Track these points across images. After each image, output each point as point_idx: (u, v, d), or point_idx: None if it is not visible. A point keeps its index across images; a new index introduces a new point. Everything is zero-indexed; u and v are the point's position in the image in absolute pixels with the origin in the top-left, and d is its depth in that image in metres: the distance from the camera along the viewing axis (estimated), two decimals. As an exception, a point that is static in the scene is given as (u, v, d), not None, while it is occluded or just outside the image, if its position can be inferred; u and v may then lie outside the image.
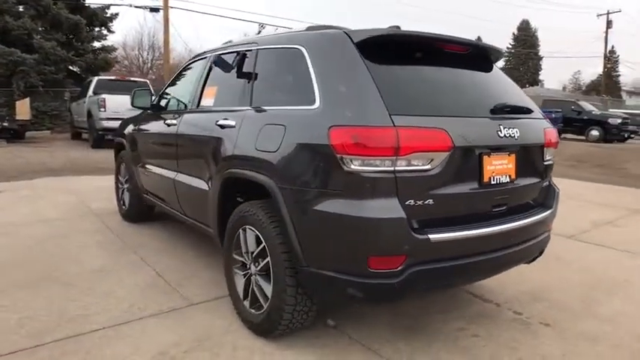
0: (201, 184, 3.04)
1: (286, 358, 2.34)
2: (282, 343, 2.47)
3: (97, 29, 20.45)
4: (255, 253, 2.49)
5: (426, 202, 2.04)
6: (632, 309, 3.01)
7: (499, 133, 2.26)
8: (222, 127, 2.81)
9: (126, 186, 4.76)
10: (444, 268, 2.10)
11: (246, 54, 2.90)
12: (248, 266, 2.60)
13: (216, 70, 3.25)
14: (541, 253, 2.73)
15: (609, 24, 36.55)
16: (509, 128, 2.30)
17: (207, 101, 3.20)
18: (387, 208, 1.97)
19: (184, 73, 3.88)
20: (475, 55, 2.59)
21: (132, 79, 14.84)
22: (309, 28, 2.63)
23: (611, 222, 5.40)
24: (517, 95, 2.64)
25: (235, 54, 2.94)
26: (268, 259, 2.37)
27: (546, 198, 2.66)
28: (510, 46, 53.40)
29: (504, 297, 3.13)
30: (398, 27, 2.50)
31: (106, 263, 3.58)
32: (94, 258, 3.70)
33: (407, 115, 2.02)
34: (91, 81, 13.18)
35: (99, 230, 4.49)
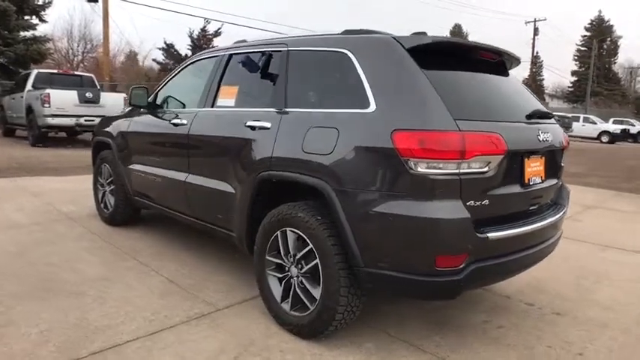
0: (224, 187, 2.97)
1: (337, 359, 2.37)
2: (327, 343, 2.48)
3: (27, 17, 18.91)
4: (299, 256, 2.49)
5: (483, 202, 2.16)
6: (622, 296, 3.33)
7: (539, 137, 2.43)
8: (252, 128, 2.77)
9: (109, 188, 4.50)
10: (496, 264, 2.23)
11: (272, 55, 2.87)
12: (287, 269, 2.59)
13: (234, 69, 3.18)
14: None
15: (536, 31, 39.39)
16: (544, 132, 2.48)
17: (226, 101, 3.13)
18: (454, 209, 2.06)
19: (187, 71, 3.75)
20: (502, 63, 2.75)
21: (76, 73, 13.92)
22: (346, 32, 2.66)
23: (571, 217, 5.89)
24: (536, 100, 2.83)
25: (260, 54, 2.89)
26: (317, 260, 2.38)
27: (561, 197, 2.88)
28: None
29: (510, 290, 3.34)
30: (425, 33, 2.60)
31: (105, 270, 3.39)
32: (91, 265, 3.48)
33: (467, 119, 2.12)
34: (28, 74, 12.19)
35: (83, 235, 4.21)
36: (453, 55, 2.46)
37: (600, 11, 56.75)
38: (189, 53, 21.54)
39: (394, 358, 2.39)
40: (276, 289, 2.67)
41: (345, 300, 2.32)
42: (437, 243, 2.06)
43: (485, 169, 2.14)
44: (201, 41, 21.89)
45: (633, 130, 27.63)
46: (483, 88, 2.46)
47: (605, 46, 51.50)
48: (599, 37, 47.91)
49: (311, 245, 2.40)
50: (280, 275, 2.63)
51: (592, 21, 52.20)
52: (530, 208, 2.49)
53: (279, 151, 2.55)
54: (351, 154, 2.23)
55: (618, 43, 52.69)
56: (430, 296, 2.28)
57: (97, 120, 10.99)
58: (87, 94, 11.10)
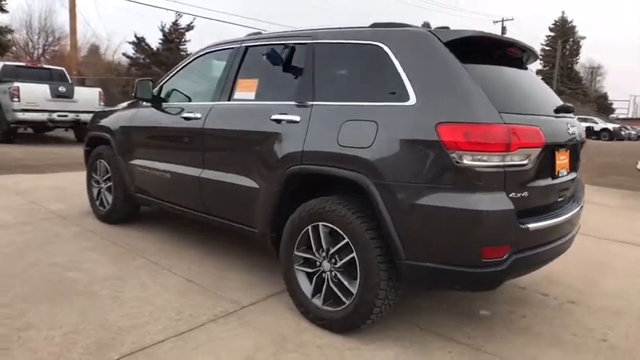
0: (246, 182, 2.90)
1: (374, 353, 2.35)
2: (362, 338, 2.47)
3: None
4: (332, 250, 2.46)
5: (523, 194, 2.19)
6: (626, 286, 3.47)
7: (568, 131, 2.49)
8: (278, 121, 2.72)
9: (106, 185, 4.33)
10: (533, 255, 2.28)
11: (296, 47, 2.82)
12: (319, 264, 2.56)
13: (252, 62, 3.11)
14: None
15: (504, 30, 40.41)
16: (572, 126, 2.54)
17: (244, 94, 3.05)
18: (499, 201, 2.09)
19: (195, 64, 3.64)
20: (525, 59, 2.80)
21: (45, 66, 13.30)
22: (375, 25, 2.65)
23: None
24: (555, 94, 2.90)
25: (283, 47, 2.84)
26: (353, 255, 2.36)
27: (578, 191, 2.96)
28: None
29: (524, 281, 3.41)
30: (447, 28, 2.62)
31: (115, 270, 3.26)
32: (98, 265, 3.34)
33: (509, 113, 2.14)
34: (-7, 67, 11.58)
35: (80, 234, 4.04)
36: (483, 50, 2.48)
37: (564, 12, 58.99)
38: (161, 47, 21.02)
39: (430, 351, 2.40)
40: (306, 285, 2.63)
41: (384, 293, 2.31)
42: (483, 235, 2.08)
43: (526, 162, 2.17)
44: (173, 35, 21.39)
45: (597, 127, 28.90)
46: (514, 82, 2.50)
47: (568, 47, 53.50)
48: (563, 38, 49.75)
49: (347, 239, 2.38)
50: (311, 270, 2.60)
51: (556, 22, 54.14)
52: (558, 200, 2.55)
53: (312, 145, 2.51)
54: (393, 147, 2.22)
55: (580, 44, 54.83)
56: (472, 287, 2.31)
57: (71, 116, 10.75)
58: (60, 89, 10.65)
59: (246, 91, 3.05)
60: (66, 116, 10.69)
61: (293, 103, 2.71)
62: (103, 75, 21.11)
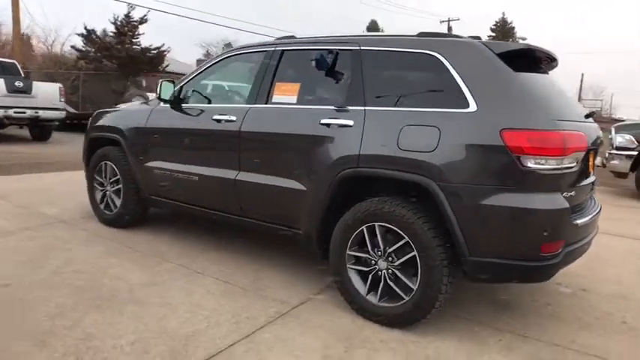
0: (291, 184, 2.95)
1: (435, 344, 2.50)
2: (418, 331, 2.61)
3: None
4: (391, 249, 2.58)
5: (571, 193, 2.42)
6: (625, 274, 3.83)
7: (598, 135, 2.75)
8: (328, 125, 2.80)
9: (113, 187, 4.20)
10: (576, 249, 2.52)
11: (341, 53, 2.90)
12: (374, 262, 2.67)
13: (290, 66, 3.16)
14: None
15: (449, 30, 41.93)
16: (597, 131, 2.81)
17: (284, 98, 3.09)
18: (557, 200, 2.30)
19: (220, 67, 3.61)
20: (551, 67, 3.04)
21: (-3, 59, 12.34)
22: (422, 34, 2.77)
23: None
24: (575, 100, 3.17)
25: (327, 52, 2.91)
26: (414, 253, 2.50)
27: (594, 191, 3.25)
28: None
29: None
30: (479, 37, 2.81)
31: (148, 275, 3.21)
32: (126, 271, 3.26)
33: (560, 120, 2.36)
34: (-64, 59, 10.68)
35: (90, 239, 3.90)
36: (526, 60, 2.67)
37: (504, 13, 61.83)
38: (113, 41, 20.05)
39: (483, 339, 2.58)
40: (359, 283, 2.74)
41: (445, 288, 2.46)
42: (544, 231, 2.28)
43: (575, 164, 2.40)
44: (126, 28, 20.49)
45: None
46: (551, 90, 2.71)
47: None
48: (503, 38, 52.36)
49: (407, 238, 2.51)
50: (366, 269, 2.70)
51: (497, 22, 56.74)
52: (586, 199, 2.81)
53: (369, 149, 2.61)
54: (457, 151, 2.37)
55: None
56: (529, 280, 2.51)
57: (29, 112, 10.13)
58: (16, 83, 10.01)
59: (286, 95, 3.09)
60: (24, 113, 10.07)
61: (343, 107, 2.79)
62: (51, 68, 19.88)
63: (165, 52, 21.52)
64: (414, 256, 2.50)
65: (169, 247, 3.81)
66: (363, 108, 2.72)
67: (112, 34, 20.44)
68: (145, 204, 4.13)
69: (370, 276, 2.69)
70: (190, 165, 3.54)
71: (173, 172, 3.65)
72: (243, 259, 3.61)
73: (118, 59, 19.92)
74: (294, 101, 3.06)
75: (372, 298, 2.68)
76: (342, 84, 2.89)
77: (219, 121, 3.33)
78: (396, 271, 2.59)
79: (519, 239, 2.31)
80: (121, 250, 3.68)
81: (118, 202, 4.19)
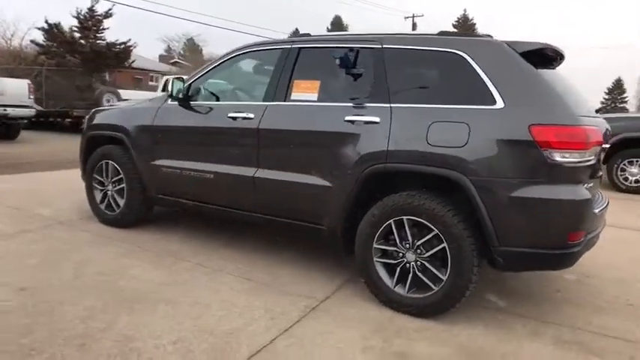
0: (315, 180, 2.99)
1: (467, 331, 2.60)
2: (447, 320, 2.70)
3: None
4: (421, 241, 2.66)
5: (590, 185, 2.57)
6: (618, 259, 4.07)
7: (607, 129, 2.92)
8: (353, 122, 2.85)
9: (116, 187, 4.11)
10: (593, 237, 2.68)
11: (363, 51, 2.95)
12: (402, 255, 2.75)
13: (309, 63, 3.18)
14: None
15: (414, 26, 42.60)
16: (606, 125, 2.98)
17: (303, 95, 3.12)
18: (582, 192, 2.44)
19: (231, 64, 3.59)
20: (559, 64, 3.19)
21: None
22: (443, 33, 2.86)
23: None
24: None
25: (348, 50, 2.95)
26: (444, 244, 2.59)
27: None
28: (325, 40, 57.75)
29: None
30: (490, 36, 2.93)
31: (168, 274, 3.18)
32: (144, 271, 3.22)
33: (580, 115, 2.50)
34: None
35: (96, 241, 3.81)
36: (543, 58, 2.79)
37: (465, 10, 63.19)
38: (77, 35, 19.31)
39: (509, 325, 2.69)
40: (386, 276, 2.81)
41: (475, 278, 2.57)
42: (571, 221, 2.42)
43: (593, 157, 2.55)
44: (90, 22, 19.74)
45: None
46: (566, 86, 2.86)
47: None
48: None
49: (436, 231, 2.60)
50: (394, 262, 2.78)
51: (458, 19, 58.08)
52: (597, 191, 2.98)
53: (398, 145, 2.68)
54: (487, 146, 2.47)
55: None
56: (555, 267, 2.63)
57: (-3, 110, 9.67)
58: (-18, 80, 9.53)
59: (306, 92, 3.11)
60: (-10, 110, 9.61)
61: (368, 104, 2.85)
62: (11, 64, 18.93)
63: (132, 48, 20.95)
64: (444, 247, 2.59)
65: (180, 245, 3.77)
66: (388, 105, 2.79)
67: (75, 28, 19.69)
68: (149, 203, 4.06)
69: (398, 268, 2.76)
70: (204, 163, 3.51)
71: (184, 170, 3.61)
72: (255, 255, 3.62)
73: (82, 54, 19.24)
74: (315, 98, 3.09)
75: (401, 290, 2.76)
76: (364, 81, 2.94)
77: (234, 118, 3.32)
78: (425, 263, 2.68)
79: (547, 229, 2.44)
80: (133, 251, 3.62)
81: (121, 201, 4.10)
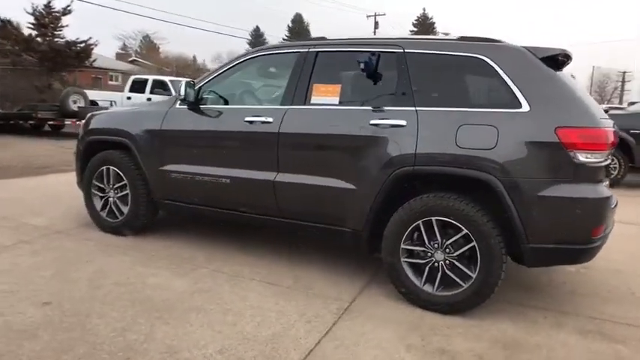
0: (339, 183, 3.02)
1: (495, 325, 2.71)
2: (475, 315, 2.81)
3: None
4: (450, 241, 2.75)
5: (606, 183, 2.74)
6: (607, 250, 4.31)
7: (615, 130, 3.10)
8: (378, 125, 2.90)
9: (118, 194, 3.99)
10: (608, 233, 2.84)
11: (383, 55, 3.01)
12: (430, 254, 2.83)
13: (328, 67, 3.20)
14: None
15: (376, 25, 43.18)
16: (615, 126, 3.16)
17: (324, 99, 3.14)
18: (603, 190, 2.60)
19: (243, 67, 3.56)
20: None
21: None
22: (463, 38, 2.95)
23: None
24: None
25: (371, 54, 3.00)
26: (473, 243, 2.69)
27: None
28: (286, 38, 57.88)
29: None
30: (499, 41, 3.06)
31: (189, 282, 3.13)
32: (166, 280, 3.15)
33: (599, 118, 2.65)
34: None
35: (104, 250, 3.68)
36: (555, 62, 2.93)
37: (424, 9, 64.49)
38: (34, 33, 18.38)
39: (532, 318, 2.83)
40: (414, 275, 2.88)
41: (503, 274, 2.69)
42: (594, 217, 2.58)
43: (609, 157, 2.71)
44: (47, 19, 18.84)
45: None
46: (579, 88, 3.01)
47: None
48: (425, 33, 54.88)
49: (466, 230, 2.70)
50: (422, 261, 2.86)
51: (418, 17, 59.29)
52: None
53: (426, 148, 2.76)
54: (515, 148, 2.58)
55: (439, 40, 60.75)
56: (579, 261, 2.78)
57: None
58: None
59: (326, 96, 3.14)
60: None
61: (393, 108, 2.91)
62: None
63: (93, 46, 20.14)
64: (474, 246, 2.69)
65: (192, 252, 3.71)
66: (414, 108, 2.86)
67: (30, 25, 18.74)
68: (154, 209, 3.98)
69: (427, 268, 2.84)
70: (218, 167, 3.47)
71: (196, 175, 3.56)
72: (270, 259, 3.62)
73: (40, 53, 18.33)
74: (336, 102, 3.12)
75: (429, 289, 2.85)
76: (387, 85, 3.00)
77: (251, 122, 3.31)
78: (456, 262, 2.77)
79: (573, 225, 2.59)
80: (146, 259, 3.54)
81: (124, 208, 3.99)
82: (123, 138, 3.87)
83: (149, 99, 13.46)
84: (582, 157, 2.53)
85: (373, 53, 3.01)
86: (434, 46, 2.97)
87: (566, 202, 2.55)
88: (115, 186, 4.02)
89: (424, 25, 58.37)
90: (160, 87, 14.20)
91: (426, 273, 2.85)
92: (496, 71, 2.73)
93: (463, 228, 2.70)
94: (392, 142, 2.86)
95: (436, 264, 2.82)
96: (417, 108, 2.85)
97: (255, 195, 3.37)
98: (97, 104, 13.72)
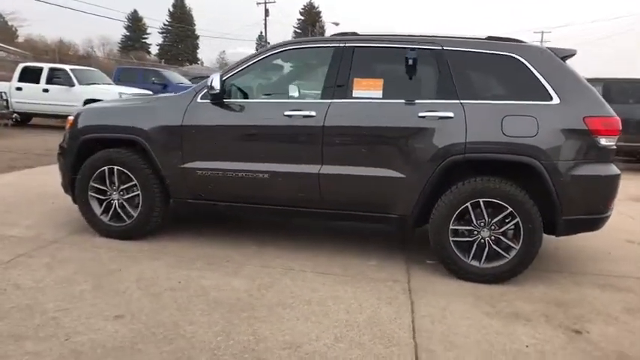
0: (388, 173, 3.20)
1: (536, 289, 3.12)
2: (514, 283, 3.20)
3: None
4: (496, 219, 3.11)
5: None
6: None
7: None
8: (425, 117, 3.14)
9: (125, 196, 3.70)
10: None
11: (423, 52, 3.24)
12: (477, 232, 3.16)
13: (366, 62, 3.33)
14: None
15: (267, 12, 42.95)
16: None
17: (367, 92, 3.27)
18: (615, 168, 3.15)
19: (273, 60, 3.52)
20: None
21: None
22: (490, 38, 3.30)
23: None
24: None
25: (411, 50, 3.19)
26: (517, 220, 3.08)
27: None
28: (167, 23, 54.87)
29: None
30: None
31: (245, 280, 3.10)
32: (219, 280, 3.07)
33: (610, 108, 3.19)
34: None
35: (129, 257, 3.39)
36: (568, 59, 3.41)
37: (311, -1, 65.36)
38: None
39: (555, 280, 3.30)
40: (462, 252, 3.20)
41: (540, 245, 3.13)
42: (610, 191, 3.12)
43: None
44: None
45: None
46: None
47: (315, 31, 60.28)
48: (310, 21, 55.92)
49: (510, 209, 3.07)
50: (470, 239, 3.18)
51: (305, 6, 60.12)
52: None
53: (476, 137, 3.06)
54: (552, 135, 3.01)
55: (324, 28, 62.26)
56: (595, 228, 3.28)
57: None
58: None
59: (369, 90, 3.28)
60: None
61: (439, 101, 3.17)
62: None
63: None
64: (517, 222, 3.08)
65: (225, 251, 3.61)
66: (459, 101, 3.14)
67: None
68: (167, 210, 3.78)
69: (475, 245, 3.18)
70: (255, 163, 3.42)
71: (228, 171, 3.46)
72: (304, 251, 3.66)
73: None
74: (380, 95, 3.28)
75: (475, 263, 3.19)
76: (429, 80, 3.25)
77: (291, 116, 3.32)
78: (500, 237, 3.14)
79: (596, 198, 3.11)
80: (178, 261, 3.38)
81: (133, 210, 3.72)
82: (133, 135, 3.59)
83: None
84: (604, 141, 3.04)
85: (414, 49, 3.22)
86: (470, 45, 3.27)
87: (594, 179, 3.05)
88: (122, 187, 3.72)
89: (310, 13, 59.44)
90: (59, 77, 12.64)
91: (474, 249, 3.18)
92: (528, 68, 3.12)
93: (508, 207, 3.07)
94: (441, 133, 3.12)
95: (482, 240, 3.17)
96: (462, 101, 3.14)
97: (297, 188, 3.40)
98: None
